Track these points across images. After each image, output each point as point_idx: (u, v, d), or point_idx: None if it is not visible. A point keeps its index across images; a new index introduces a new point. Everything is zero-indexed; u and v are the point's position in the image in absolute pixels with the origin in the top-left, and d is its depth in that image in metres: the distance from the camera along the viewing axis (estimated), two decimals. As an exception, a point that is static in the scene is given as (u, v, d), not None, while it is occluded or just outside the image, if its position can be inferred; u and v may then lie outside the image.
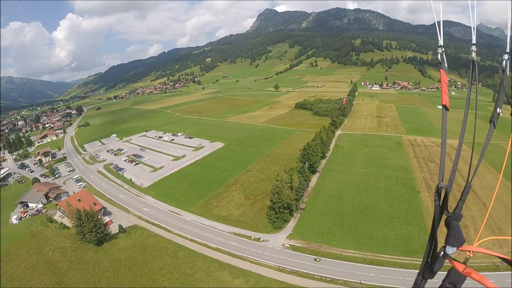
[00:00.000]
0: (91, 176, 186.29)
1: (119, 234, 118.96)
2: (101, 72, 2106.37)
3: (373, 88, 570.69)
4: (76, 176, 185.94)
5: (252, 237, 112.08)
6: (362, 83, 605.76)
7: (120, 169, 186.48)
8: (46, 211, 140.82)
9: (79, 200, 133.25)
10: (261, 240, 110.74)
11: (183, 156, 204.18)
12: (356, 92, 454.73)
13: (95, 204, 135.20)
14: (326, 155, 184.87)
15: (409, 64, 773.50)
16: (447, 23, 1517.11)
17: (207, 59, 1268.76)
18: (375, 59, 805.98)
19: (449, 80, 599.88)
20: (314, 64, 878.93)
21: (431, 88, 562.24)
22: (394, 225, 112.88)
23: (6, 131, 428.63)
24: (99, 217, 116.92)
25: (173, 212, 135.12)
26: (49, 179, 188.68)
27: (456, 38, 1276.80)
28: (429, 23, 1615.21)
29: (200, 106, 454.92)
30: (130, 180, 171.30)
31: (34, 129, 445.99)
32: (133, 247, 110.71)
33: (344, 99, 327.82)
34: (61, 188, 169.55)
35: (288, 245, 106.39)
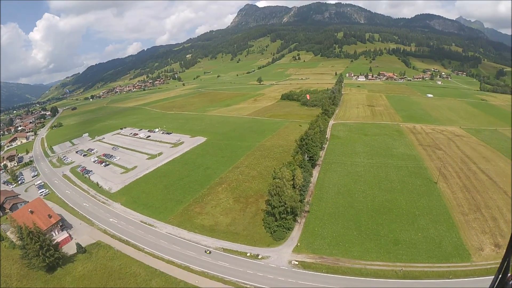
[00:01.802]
0: (55, 181, 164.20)
1: (77, 256, 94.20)
2: (79, 73, 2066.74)
3: (359, 79, 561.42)
4: (38, 182, 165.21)
5: (248, 254, 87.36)
6: (347, 75, 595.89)
7: (88, 172, 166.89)
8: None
9: (32, 212, 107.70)
10: (260, 257, 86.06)
11: (160, 153, 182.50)
12: (343, 83, 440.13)
13: (50, 216, 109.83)
14: (324, 146, 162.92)
15: (392, 56, 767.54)
16: (428, 17, 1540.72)
17: (187, 56, 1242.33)
18: (358, 51, 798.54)
19: (434, 71, 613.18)
20: (297, 58, 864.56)
21: (417, 78, 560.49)
22: (420, 224, 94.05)
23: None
24: (47, 236, 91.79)
25: (145, 223, 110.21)
26: (11, 186, 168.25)
27: (437, 31, 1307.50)
28: (410, 16, 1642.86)
29: (181, 101, 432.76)
30: (97, 184, 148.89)
31: (6, 132, 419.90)
32: (93, 274, 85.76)
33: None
34: (18, 197, 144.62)
35: (297, 262, 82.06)
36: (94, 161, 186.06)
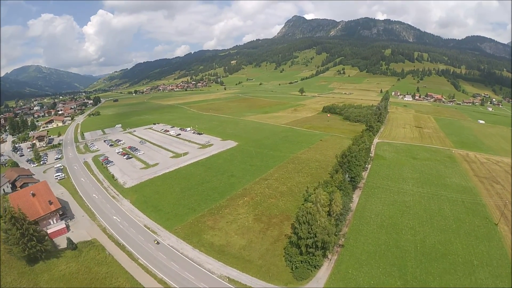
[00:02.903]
0: (74, 167, 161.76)
1: (66, 251, 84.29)
2: (127, 68, 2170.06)
3: (405, 99, 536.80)
4: (58, 165, 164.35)
5: (258, 293, 70.78)
6: (393, 93, 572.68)
7: (108, 162, 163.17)
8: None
9: (33, 194, 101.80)
10: (272, 300, 69.27)
11: (185, 153, 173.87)
12: (388, 101, 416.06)
13: (50, 202, 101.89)
14: (367, 165, 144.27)
15: (441, 77, 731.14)
16: (479, 39, 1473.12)
17: (232, 61, 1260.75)
18: (405, 70, 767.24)
19: (484, 96, 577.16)
20: (342, 72, 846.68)
21: (467, 103, 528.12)
22: (478, 276, 74.46)
23: (21, 114, 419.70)
24: (33, 225, 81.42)
25: (149, 228, 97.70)
26: (33, 165, 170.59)
27: (488, 54, 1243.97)
28: (460, 38, 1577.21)
29: (219, 104, 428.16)
30: (113, 176, 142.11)
31: (47, 114, 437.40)
32: (73, 277, 74.39)
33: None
34: (32, 176, 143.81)
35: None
36: (118, 152, 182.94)
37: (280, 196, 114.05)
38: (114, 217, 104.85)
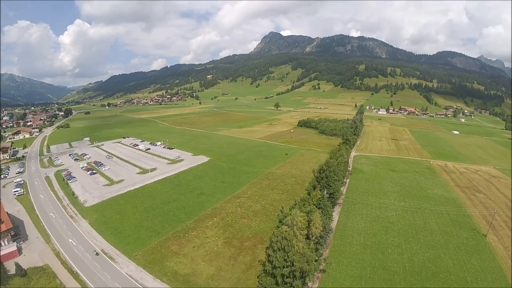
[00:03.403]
0: (35, 182, 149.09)
1: (14, 279, 72.37)
2: (102, 80, 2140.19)
3: (380, 112, 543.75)
4: (18, 180, 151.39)
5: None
6: (367, 107, 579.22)
7: (71, 178, 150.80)
8: None
9: None
10: None
11: (153, 169, 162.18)
12: (364, 115, 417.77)
13: (1, 221, 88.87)
14: (345, 180, 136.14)
15: (414, 91, 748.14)
16: (449, 54, 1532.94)
17: (208, 76, 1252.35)
18: (379, 85, 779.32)
19: (456, 108, 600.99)
20: (317, 87, 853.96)
21: (440, 115, 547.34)
22: None
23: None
24: None
25: (106, 253, 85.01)
26: None
27: (458, 68, 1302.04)
28: (432, 53, 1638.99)
29: (193, 118, 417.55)
30: (73, 193, 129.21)
31: (15, 125, 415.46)
32: None
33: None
34: None
35: None
36: (82, 167, 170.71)
37: (253, 216, 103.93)
38: (70, 240, 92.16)
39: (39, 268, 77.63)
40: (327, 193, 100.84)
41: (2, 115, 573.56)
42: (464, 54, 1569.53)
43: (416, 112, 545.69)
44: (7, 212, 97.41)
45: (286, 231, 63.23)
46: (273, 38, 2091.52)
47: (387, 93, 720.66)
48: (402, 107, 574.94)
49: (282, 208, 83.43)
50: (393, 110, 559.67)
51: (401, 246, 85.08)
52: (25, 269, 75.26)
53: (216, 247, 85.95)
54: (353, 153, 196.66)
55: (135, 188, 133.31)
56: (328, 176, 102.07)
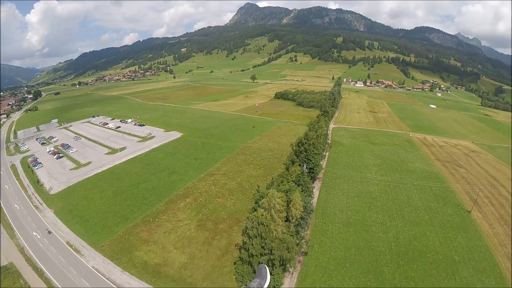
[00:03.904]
0: (0, 172, 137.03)
1: None
2: (72, 59, 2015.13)
3: (357, 85, 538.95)
4: None
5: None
6: (345, 80, 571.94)
7: (36, 164, 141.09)
8: None
9: None
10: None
11: (122, 148, 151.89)
12: (341, 87, 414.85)
13: None
14: (324, 153, 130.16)
15: (391, 64, 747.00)
16: (427, 29, 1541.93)
17: (182, 49, 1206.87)
18: (357, 58, 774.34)
19: (433, 83, 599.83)
20: (294, 59, 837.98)
21: (416, 88, 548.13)
22: (463, 275, 64.38)
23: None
24: None
25: (71, 246, 76.56)
26: None
27: (436, 44, 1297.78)
28: (410, 28, 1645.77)
29: (166, 93, 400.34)
30: (38, 181, 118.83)
31: None
32: None
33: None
34: None
35: None
36: (48, 152, 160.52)
37: (229, 195, 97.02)
38: (34, 233, 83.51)
39: (3, 268, 70.35)
40: (306, 168, 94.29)
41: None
42: (442, 31, 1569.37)
43: (393, 85, 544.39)
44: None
45: (262, 214, 56.22)
46: (249, 9, 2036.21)
47: (365, 66, 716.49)
48: (379, 80, 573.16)
49: (258, 187, 76.75)
50: (371, 83, 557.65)
51: (385, 224, 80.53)
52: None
53: (189, 231, 78.97)
54: (331, 125, 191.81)
55: (103, 170, 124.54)
56: (308, 150, 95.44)
